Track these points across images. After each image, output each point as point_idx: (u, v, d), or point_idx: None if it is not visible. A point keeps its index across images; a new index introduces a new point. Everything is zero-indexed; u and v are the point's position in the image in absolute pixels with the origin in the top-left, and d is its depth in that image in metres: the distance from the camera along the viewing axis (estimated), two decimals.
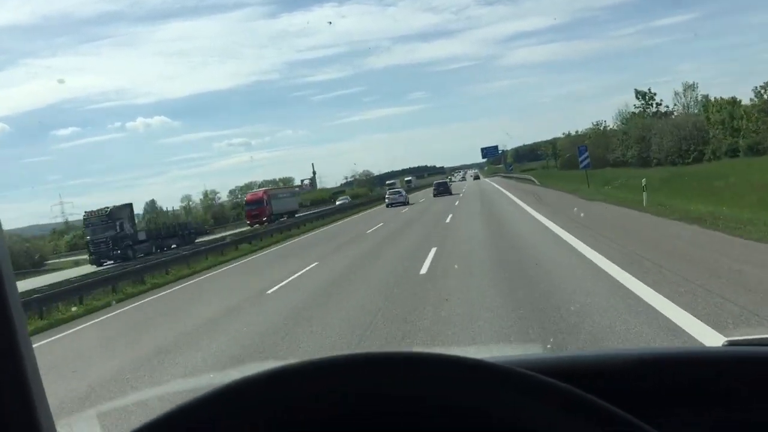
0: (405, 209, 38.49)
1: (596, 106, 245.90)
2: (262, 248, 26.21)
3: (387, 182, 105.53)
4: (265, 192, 55.98)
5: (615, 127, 65.74)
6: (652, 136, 46.85)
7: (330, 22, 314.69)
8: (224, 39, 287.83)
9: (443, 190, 52.83)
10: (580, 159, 33.22)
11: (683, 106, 56.12)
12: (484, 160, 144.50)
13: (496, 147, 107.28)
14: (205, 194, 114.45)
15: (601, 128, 76.01)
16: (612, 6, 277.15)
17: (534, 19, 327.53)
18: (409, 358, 0.60)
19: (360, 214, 44.60)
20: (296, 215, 54.27)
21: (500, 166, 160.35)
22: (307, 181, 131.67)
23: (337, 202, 70.49)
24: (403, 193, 50.38)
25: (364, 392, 0.59)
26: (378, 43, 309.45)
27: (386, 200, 48.05)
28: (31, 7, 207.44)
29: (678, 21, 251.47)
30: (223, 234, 44.87)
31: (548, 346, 5.59)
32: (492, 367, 0.59)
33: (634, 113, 61.74)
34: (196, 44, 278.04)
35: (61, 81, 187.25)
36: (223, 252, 25.02)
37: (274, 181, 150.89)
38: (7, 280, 0.61)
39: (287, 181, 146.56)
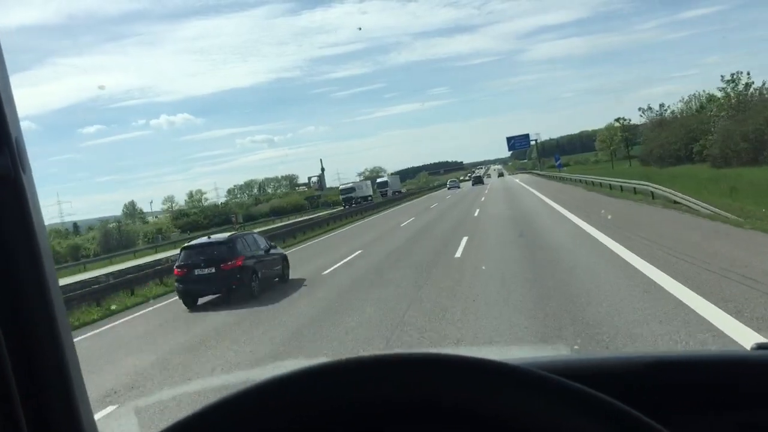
0: None
1: (620, 99, 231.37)
2: None
3: (341, 187, 76.22)
4: None
5: None
6: None
7: (360, 28, 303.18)
8: (245, 36, 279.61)
9: (478, 181, 76.00)
10: None
11: None
12: (509, 154, 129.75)
13: (526, 136, 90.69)
14: (190, 195, 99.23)
15: (742, 87, 41.68)
16: None
17: (557, 14, 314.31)
18: (437, 360, 0.57)
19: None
20: None
21: (526, 161, 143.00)
22: (314, 179, 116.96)
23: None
24: (457, 182, 78.11)
25: (385, 395, 0.57)
26: (399, 39, 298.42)
27: (447, 185, 72.60)
28: (56, 6, 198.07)
29: (703, 13, 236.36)
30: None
31: (575, 347, 5.35)
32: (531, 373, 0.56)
33: None
34: (218, 42, 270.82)
35: (101, 87, 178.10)
36: None
37: (276, 179, 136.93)
38: (49, 275, 0.63)
39: (291, 179, 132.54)
